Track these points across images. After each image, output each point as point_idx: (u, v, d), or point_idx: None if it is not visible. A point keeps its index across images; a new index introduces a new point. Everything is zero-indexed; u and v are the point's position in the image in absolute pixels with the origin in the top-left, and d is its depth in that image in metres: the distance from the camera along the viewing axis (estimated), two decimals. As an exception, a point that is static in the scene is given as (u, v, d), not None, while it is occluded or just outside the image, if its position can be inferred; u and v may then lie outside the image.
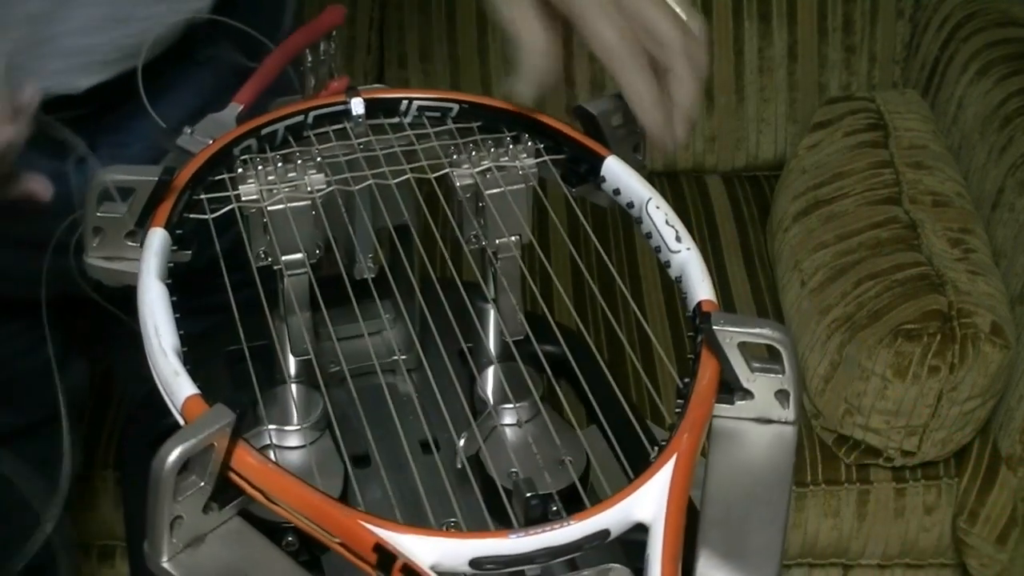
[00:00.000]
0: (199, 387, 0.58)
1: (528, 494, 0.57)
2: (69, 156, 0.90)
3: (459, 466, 0.69)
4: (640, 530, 0.55)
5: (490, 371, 0.76)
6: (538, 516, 0.56)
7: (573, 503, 0.60)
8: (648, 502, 0.55)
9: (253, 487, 0.55)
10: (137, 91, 0.85)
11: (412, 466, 0.64)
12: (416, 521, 0.54)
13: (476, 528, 0.59)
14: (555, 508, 0.58)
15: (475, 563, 0.52)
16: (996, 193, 1.68)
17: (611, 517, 0.54)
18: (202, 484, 0.54)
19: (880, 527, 1.62)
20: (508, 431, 0.72)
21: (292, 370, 0.76)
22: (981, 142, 1.74)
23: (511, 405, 0.73)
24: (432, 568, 0.51)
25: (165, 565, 0.54)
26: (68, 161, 0.90)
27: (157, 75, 0.86)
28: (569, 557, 0.54)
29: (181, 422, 0.56)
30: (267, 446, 0.71)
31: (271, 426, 0.71)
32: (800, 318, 1.64)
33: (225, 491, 0.56)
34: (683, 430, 0.57)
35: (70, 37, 0.83)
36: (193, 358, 0.60)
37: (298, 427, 0.72)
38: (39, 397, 1.01)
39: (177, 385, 0.58)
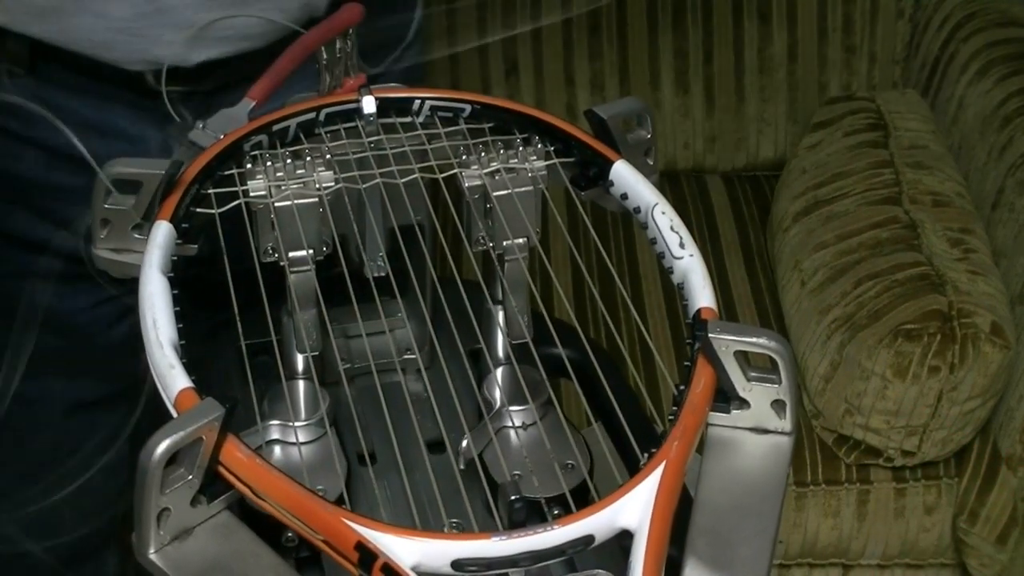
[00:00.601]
0: (194, 381, 0.58)
1: (513, 497, 0.57)
2: (176, 129, 0.90)
3: (461, 467, 0.69)
4: (629, 536, 0.55)
5: (497, 373, 0.76)
6: (522, 519, 0.56)
7: (576, 506, 0.60)
8: (634, 509, 0.54)
9: (241, 482, 0.55)
10: (247, 75, 0.85)
11: (416, 466, 0.64)
12: (418, 522, 0.54)
13: (478, 529, 0.59)
14: (556, 512, 0.58)
15: (457, 565, 0.51)
16: (996, 193, 1.68)
17: (595, 522, 0.54)
18: (190, 477, 0.54)
19: (880, 527, 1.62)
20: (513, 433, 0.72)
21: (299, 366, 0.76)
22: (981, 142, 1.74)
23: (517, 407, 0.73)
24: (413, 569, 0.51)
25: (151, 557, 0.54)
26: (173, 133, 0.90)
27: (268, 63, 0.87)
28: (555, 561, 0.54)
29: (174, 414, 0.57)
30: (272, 441, 0.71)
31: (275, 422, 0.72)
32: (800, 318, 1.64)
33: (214, 485, 0.56)
34: (673, 437, 0.57)
35: (187, 10, 0.85)
36: (204, 352, 0.60)
37: (303, 423, 0.72)
38: (120, 369, 1.00)
39: (171, 378, 0.58)
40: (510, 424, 0.73)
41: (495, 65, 1.97)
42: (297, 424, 0.72)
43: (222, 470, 0.55)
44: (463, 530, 0.65)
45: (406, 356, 0.81)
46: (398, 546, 0.51)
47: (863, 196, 1.70)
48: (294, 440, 0.72)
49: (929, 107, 1.88)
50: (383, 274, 0.75)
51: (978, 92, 1.78)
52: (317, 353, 0.73)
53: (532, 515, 0.60)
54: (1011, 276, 1.60)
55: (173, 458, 0.53)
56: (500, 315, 0.76)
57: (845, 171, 1.75)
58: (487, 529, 0.58)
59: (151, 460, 0.52)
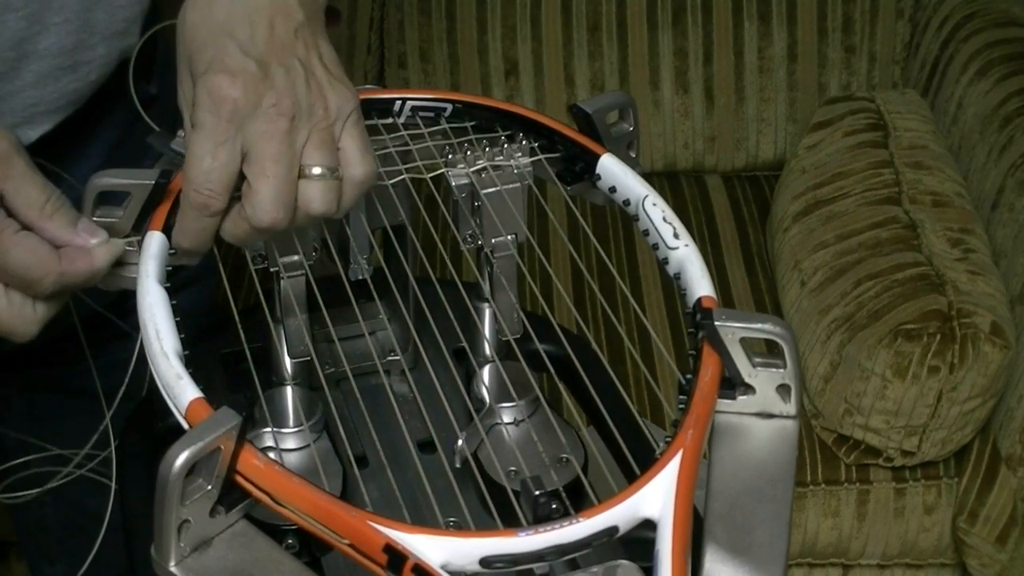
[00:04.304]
0: (202, 390, 0.58)
1: (537, 492, 0.57)
2: (157, 139, 0.88)
3: (458, 465, 0.69)
4: (643, 527, 0.55)
5: (486, 370, 0.76)
6: (547, 514, 0.56)
7: (571, 500, 0.60)
8: (655, 498, 0.55)
9: (259, 490, 0.55)
10: (62, 150, 0.84)
11: (410, 465, 0.64)
12: (414, 520, 0.54)
13: (475, 526, 0.59)
14: (554, 506, 0.58)
15: (485, 562, 0.52)
16: (996, 193, 1.68)
17: (619, 514, 0.54)
18: (209, 488, 0.54)
19: (880, 527, 1.62)
20: (505, 429, 0.73)
21: (289, 372, 0.76)
22: (981, 142, 1.74)
23: (508, 404, 0.73)
24: (442, 567, 0.51)
25: (173, 569, 0.53)
26: (156, 144, 0.88)
27: (68, 133, 0.86)
28: (577, 555, 0.54)
29: (185, 426, 0.56)
30: (266, 448, 0.71)
31: (268, 429, 0.71)
32: (800, 318, 1.64)
33: (231, 494, 0.56)
34: (687, 426, 0.58)
35: (25, 91, 0.81)
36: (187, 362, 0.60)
37: (297, 429, 0.72)
38: None
39: (180, 388, 0.57)
40: (501, 420, 0.73)
41: (495, 65, 1.97)
42: (295, 429, 0.72)
43: (239, 479, 0.55)
44: (461, 528, 0.66)
45: (391, 357, 0.81)
46: (426, 546, 0.51)
47: (863, 196, 1.70)
48: (289, 446, 0.72)
49: (929, 107, 1.88)
50: (370, 275, 0.76)
51: (978, 92, 1.78)
52: (309, 358, 0.73)
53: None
54: (1011, 276, 1.61)
55: (190, 469, 0.53)
56: (489, 311, 0.77)
57: (845, 171, 1.75)
58: (482, 526, 0.58)
59: (171, 472, 0.51)
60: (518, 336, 0.74)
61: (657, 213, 0.70)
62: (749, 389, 0.63)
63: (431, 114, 0.78)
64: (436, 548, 0.51)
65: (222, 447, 0.54)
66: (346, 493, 0.68)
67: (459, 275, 0.77)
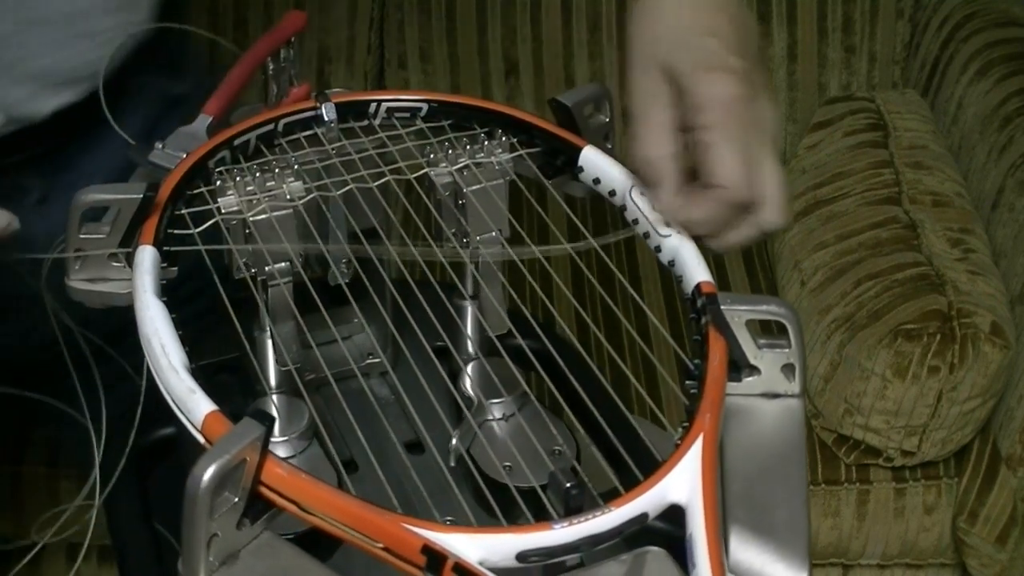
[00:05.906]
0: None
1: (568, 484, 0.57)
2: (26, 198, 0.88)
3: (452, 463, 0.70)
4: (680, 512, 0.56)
5: (470, 368, 0.76)
6: (580, 506, 0.56)
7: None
8: (682, 483, 0.55)
9: (285, 499, 0.55)
10: (87, 124, 0.84)
11: (404, 466, 0.64)
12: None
13: (474, 524, 0.60)
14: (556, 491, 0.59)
15: (521, 556, 0.52)
16: (996, 193, 1.68)
17: (648, 500, 0.55)
18: (236, 500, 0.54)
19: (880, 527, 1.62)
20: (496, 425, 0.73)
21: (274, 380, 0.75)
22: (981, 142, 1.74)
23: (496, 400, 0.73)
24: (480, 564, 0.51)
25: (203, 584, 0.54)
26: (26, 203, 0.87)
27: (96, 107, 0.86)
28: (609, 544, 0.54)
29: (201, 440, 0.56)
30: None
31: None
32: (800, 318, 1.64)
33: (255, 505, 0.56)
34: (704, 410, 0.59)
35: (32, 60, 0.81)
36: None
37: (285, 438, 0.71)
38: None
39: (193, 403, 0.57)
40: (487, 417, 0.73)
41: (495, 65, 1.96)
42: (283, 439, 0.71)
43: (264, 490, 0.55)
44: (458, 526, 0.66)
45: (372, 360, 0.81)
46: (463, 544, 0.52)
47: (863, 196, 1.71)
48: (280, 455, 0.71)
49: (929, 107, 1.88)
50: (348, 280, 0.75)
51: (978, 92, 1.79)
52: (298, 365, 0.73)
53: (528, 504, 0.60)
54: (1011, 276, 1.61)
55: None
56: (471, 309, 0.77)
57: (845, 171, 1.76)
58: (483, 523, 0.59)
59: (200, 487, 0.51)
60: (503, 332, 0.74)
61: (645, 202, 0.71)
62: (754, 370, 0.64)
63: (407, 115, 0.78)
64: (473, 546, 0.52)
65: (247, 458, 0.54)
66: None
67: (444, 275, 0.77)
